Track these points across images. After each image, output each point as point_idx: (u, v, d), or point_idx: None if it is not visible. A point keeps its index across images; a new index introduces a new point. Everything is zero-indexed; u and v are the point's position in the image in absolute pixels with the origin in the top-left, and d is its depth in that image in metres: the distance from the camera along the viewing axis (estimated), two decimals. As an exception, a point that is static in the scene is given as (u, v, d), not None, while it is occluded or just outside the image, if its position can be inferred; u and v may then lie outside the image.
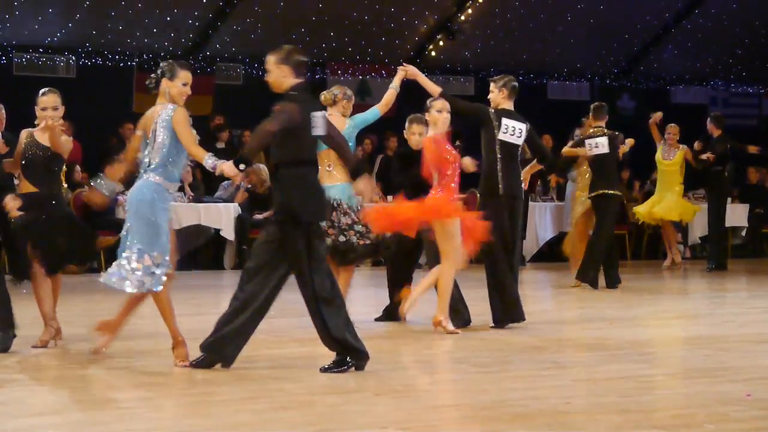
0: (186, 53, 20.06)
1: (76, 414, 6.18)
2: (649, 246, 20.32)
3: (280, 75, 7.51)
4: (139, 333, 9.88)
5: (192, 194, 17.63)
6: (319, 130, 7.50)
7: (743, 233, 20.10)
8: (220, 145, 18.85)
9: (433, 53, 21.88)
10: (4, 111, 8.99)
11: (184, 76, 7.78)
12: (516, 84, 10.32)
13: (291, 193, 7.41)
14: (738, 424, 5.86)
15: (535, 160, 10.73)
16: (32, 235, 8.45)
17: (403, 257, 10.39)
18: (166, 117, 7.60)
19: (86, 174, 17.32)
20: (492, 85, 10.33)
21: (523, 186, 10.24)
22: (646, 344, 8.92)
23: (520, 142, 10.12)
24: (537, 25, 21.83)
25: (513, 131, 10.04)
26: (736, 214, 19.44)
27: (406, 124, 10.35)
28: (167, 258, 7.75)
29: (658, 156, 16.60)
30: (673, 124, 16.76)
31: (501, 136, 9.94)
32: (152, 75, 7.81)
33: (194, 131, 7.70)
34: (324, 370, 7.37)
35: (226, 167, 7.32)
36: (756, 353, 8.82)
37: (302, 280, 7.40)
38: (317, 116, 7.51)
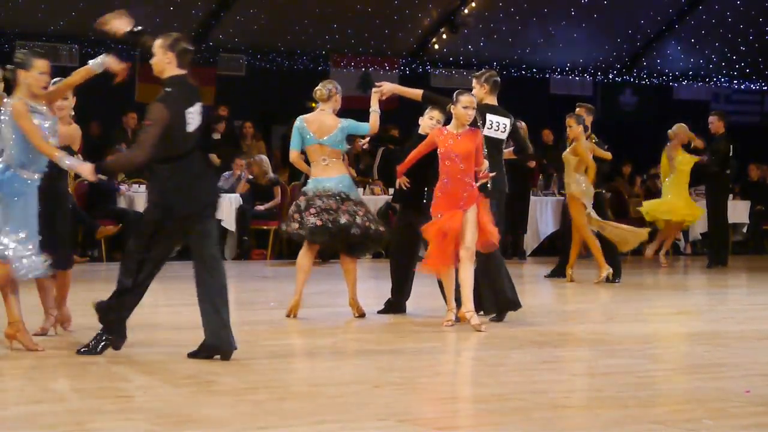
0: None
1: (75, 402, 6.18)
2: (650, 241, 20.31)
3: (164, 60, 7.52)
4: (139, 322, 9.88)
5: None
6: (192, 126, 7.48)
7: (744, 230, 20.10)
8: (216, 135, 18.82)
9: (436, 46, 21.86)
10: (7, 98, 8.94)
11: (41, 65, 7.73)
12: (498, 79, 10.32)
13: (165, 187, 7.43)
14: (737, 420, 5.86)
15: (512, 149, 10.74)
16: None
17: (405, 249, 10.37)
18: (6, 113, 7.61)
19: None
20: (474, 81, 10.33)
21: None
22: (646, 339, 8.92)
23: (504, 137, 10.15)
24: (540, 19, 21.82)
25: (497, 126, 10.07)
26: (737, 211, 19.44)
27: (428, 108, 10.26)
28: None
29: (681, 157, 16.35)
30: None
31: (486, 132, 9.93)
32: (8, 66, 7.78)
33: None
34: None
35: (85, 169, 7.39)
36: (755, 349, 8.83)
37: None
38: (192, 112, 7.48)
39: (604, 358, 7.99)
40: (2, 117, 7.66)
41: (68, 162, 7.49)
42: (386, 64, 21.18)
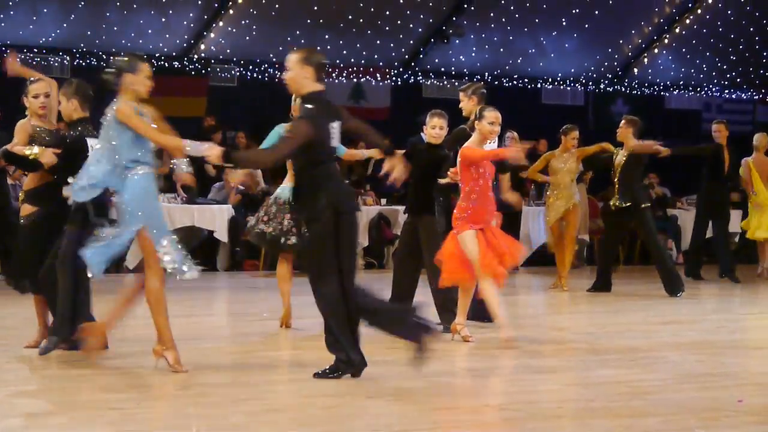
0: (180, 54, 20.06)
1: (67, 414, 6.17)
2: (642, 251, 20.34)
3: (301, 75, 7.30)
4: (131, 334, 9.87)
5: (185, 196, 17.62)
6: (335, 141, 7.38)
7: (736, 239, 20.09)
8: (211, 145, 18.82)
9: (428, 57, 21.89)
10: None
11: (147, 69, 7.70)
12: (484, 90, 10.34)
13: (327, 187, 7.25)
14: (729, 430, 5.87)
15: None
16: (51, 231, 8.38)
17: (410, 259, 10.30)
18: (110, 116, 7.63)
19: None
20: (461, 95, 10.35)
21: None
22: (638, 349, 8.93)
23: (495, 146, 10.19)
24: (531, 29, 21.86)
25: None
26: (731, 221, 19.40)
27: (428, 118, 10.22)
28: None
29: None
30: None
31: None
32: (109, 70, 7.73)
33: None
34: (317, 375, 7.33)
35: (213, 152, 7.22)
36: (748, 359, 8.84)
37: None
38: (335, 127, 7.36)
39: (596, 368, 7.99)
40: (104, 122, 7.63)
41: (190, 147, 7.36)
42: (378, 75, 21.19)
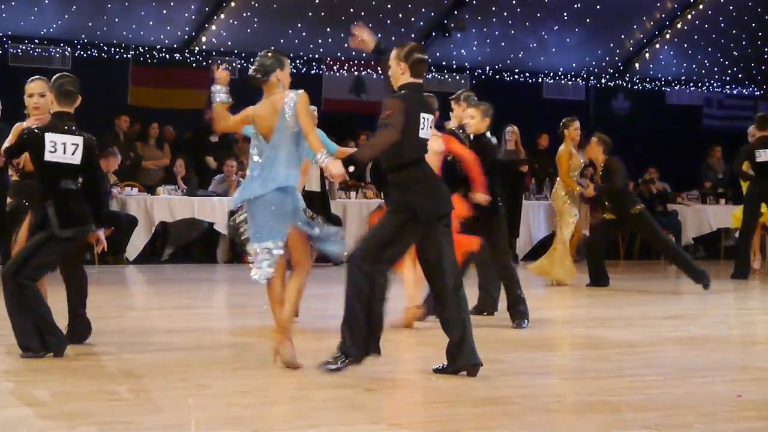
0: (182, 46, 20.05)
1: (66, 405, 6.17)
2: (642, 246, 20.34)
3: (398, 71, 7.47)
4: (131, 326, 9.88)
5: (186, 188, 17.63)
6: (424, 132, 7.39)
7: (736, 234, 20.09)
8: (214, 138, 18.83)
9: (429, 51, 21.86)
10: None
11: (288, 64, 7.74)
12: (471, 93, 10.39)
13: (409, 193, 7.28)
14: (728, 425, 5.87)
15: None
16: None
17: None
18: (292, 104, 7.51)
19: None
20: (453, 104, 10.35)
21: None
22: (638, 344, 8.93)
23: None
24: (533, 24, 21.84)
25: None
26: (729, 216, 19.41)
27: (463, 103, 10.17)
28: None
29: None
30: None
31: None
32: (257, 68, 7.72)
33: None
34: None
35: (334, 166, 7.19)
36: (746, 354, 8.85)
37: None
38: (426, 118, 7.40)
39: (596, 363, 7.99)
40: (286, 109, 7.51)
41: (323, 160, 7.27)
42: (379, 68, 21.15)
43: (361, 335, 7.19)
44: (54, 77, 8.00)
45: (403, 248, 7.40)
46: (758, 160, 15.01)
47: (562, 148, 13.83)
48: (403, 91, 7.41)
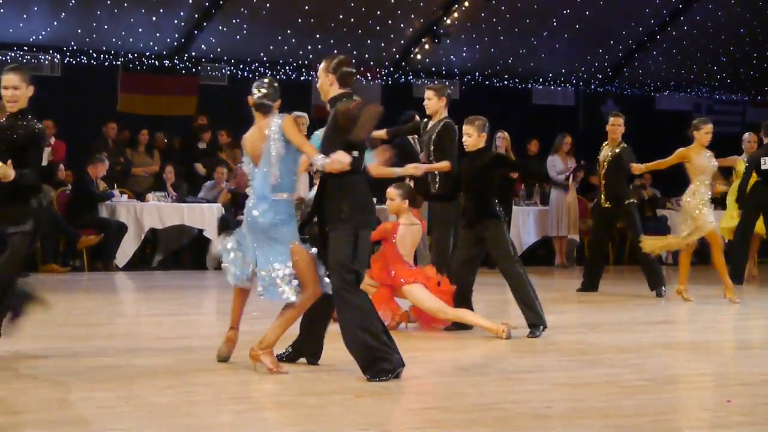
0: (171, 53, 20.04)
1: (55, 412, 6.16)
2: (631, 252, 20.36)
3: (325, 83, 7.63)
4: (120, 332, 9.86)
5: (175, 194, 17.61)
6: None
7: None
8: (202, 145, 18.83)
9: (419, 56, 21.89)
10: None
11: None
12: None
13: (341, 202, 7.37)
14: (718, 430, 5.88)
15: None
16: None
17: (469, 265, 10.11)
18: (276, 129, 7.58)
19: (70, 172, 17.30)
20: (431, 92, 10.49)
21: None
22: (628, 349, 8.94)
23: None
24: (522, 29, 21.86)
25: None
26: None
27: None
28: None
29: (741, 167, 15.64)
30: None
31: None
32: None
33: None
34: None
35: (341, 158, 7.21)
36: (737, 359, 8.85)
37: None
38: None
39: (586, 368, 8.00)
40: (272, 134, 7.59)
41: (321, 162, 7.31)
42: (369, 74, 21.17)
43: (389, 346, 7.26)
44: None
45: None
46: (764, 167, 14.98)
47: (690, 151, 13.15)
48: (344, 99, 7.54)
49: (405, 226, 9.98)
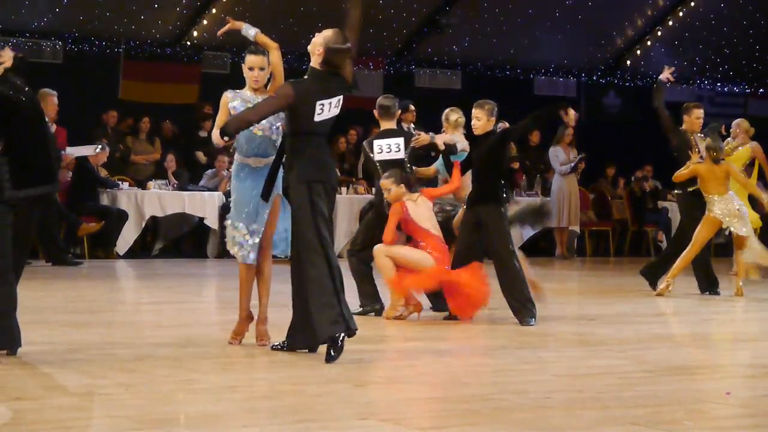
0: (173, 41, 20.02)
1: (56, 399, 6.16)
2: (632, 243, 20.37)
3: (315, 52, 7.81)
4: (121, 320, 9.87)
5: (176, 182, 17.61)
6: (322, 117, 7.75)
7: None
8: (203, 133, 18.83)
9: (421, 47, 21.87)
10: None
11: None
12: (385, 102, 10.57)
13: (306, 160, 7.60)
14: (717, 422, 5.88)
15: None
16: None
17: (471, 251, 10.06)
18: None
19: (72, 160, 17.30)
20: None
21: None
22: (628, 341, 8.94)
23: (401, 155, 10.29)
24: (524, 20, 21.85)
25: (389, 148, 10.28)
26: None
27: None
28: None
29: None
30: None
31: (378, 157, 10.35)
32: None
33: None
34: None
35: (215, 135, 7.68)
36: (736, 351, 8.86)
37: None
38: (325, 104, 7.80)
39: (585, 359, 8.00)
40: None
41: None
42: (371, 64, 21.16)
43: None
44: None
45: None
46: None
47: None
48: (306, 77, 7.77)
49: (411, 202, 9.88)
